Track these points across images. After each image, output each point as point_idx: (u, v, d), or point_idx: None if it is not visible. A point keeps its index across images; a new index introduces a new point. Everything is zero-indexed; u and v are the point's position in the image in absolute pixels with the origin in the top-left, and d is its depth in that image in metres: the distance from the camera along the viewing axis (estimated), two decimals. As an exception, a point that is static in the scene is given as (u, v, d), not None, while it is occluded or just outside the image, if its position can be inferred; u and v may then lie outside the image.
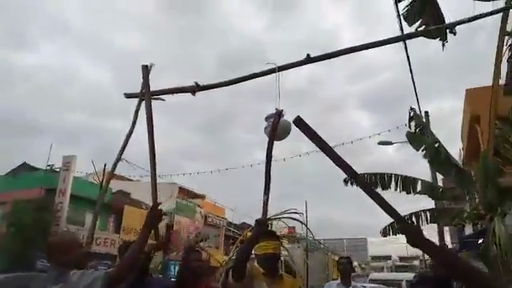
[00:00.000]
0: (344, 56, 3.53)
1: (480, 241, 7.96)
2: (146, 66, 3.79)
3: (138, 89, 3.98)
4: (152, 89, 3.74)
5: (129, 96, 4.38)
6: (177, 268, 3.71)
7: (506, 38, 4.56)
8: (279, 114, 2.94)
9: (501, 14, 3.62)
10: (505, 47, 4.74)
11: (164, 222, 3.04)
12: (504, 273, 5.82)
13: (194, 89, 3.83)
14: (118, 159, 4.24)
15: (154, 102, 3.48)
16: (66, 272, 2.13)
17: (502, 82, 5.28)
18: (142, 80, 3.77)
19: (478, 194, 7.66)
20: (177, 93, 3.98)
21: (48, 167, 19.25)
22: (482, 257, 6.68)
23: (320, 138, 2.12)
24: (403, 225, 1.92)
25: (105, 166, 16.18)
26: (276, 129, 2.90)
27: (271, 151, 2.80)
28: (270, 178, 2.76)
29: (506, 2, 3.84)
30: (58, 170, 18.90)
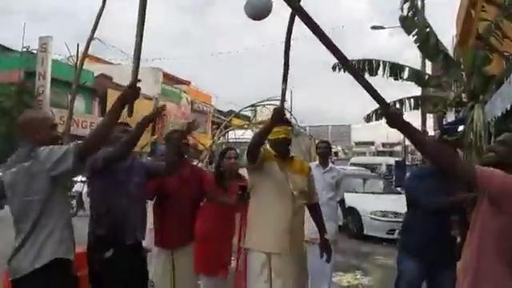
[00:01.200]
0: None
1: (460, 128, 8.21)
2: None
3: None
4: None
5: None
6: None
7: None
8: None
9: None
10: None
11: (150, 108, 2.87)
12: (476, 156, 6.09)
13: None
14: (91, 38, 3.98)
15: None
16: (36, 148, 2.11)
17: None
18: None
19: (463, 81, 7.65)
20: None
21: (24, 49, 18.43)
22: (459, 142, 6.92)
23: (313, 20, 2.05)
24: (384, 107, 2.02)
25: (78, 46, 15.54)
26: (294, 18, 2.52)
27: (290, 39, 2.64)
28: (289, 67, 2.69)
29: None
30: (34, 51, 18.16)
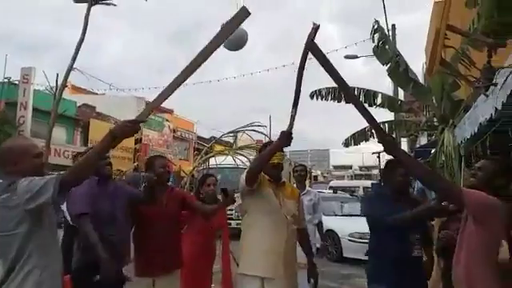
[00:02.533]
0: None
1: (432, 150, 8.48)
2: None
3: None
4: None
5: (77, 1, 4.07)
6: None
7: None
8: (316, 28, 2.45)
9: None
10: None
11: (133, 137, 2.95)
12: (448, 177, 6.30)
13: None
14: (70, 69, 4.06)
15: (111, 10, 3.26)
16: (17, 179, 1.98)
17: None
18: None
19: (433, 106, 7.96)
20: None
21: (5, 80, 18.39)
22: (431, 164, 7.16)
23: (329, 61, 2.29)
24: (381, 134, 2.26)
25: (57, 76, 15.49)
26: (310, 44, 2.52)
27: (303, 66, 2.62)
28: (300, 93, 2.68)
29: None
30: (16, 82, 18.13)
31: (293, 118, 2.69)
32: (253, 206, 2.97)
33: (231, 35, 3.12)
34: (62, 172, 2.12)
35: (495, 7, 4.64)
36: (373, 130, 9.29)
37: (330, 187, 21.08)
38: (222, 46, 3.49)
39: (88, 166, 2.07)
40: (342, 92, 2.41)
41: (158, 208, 3.32)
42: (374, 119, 2.29)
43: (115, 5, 3.44)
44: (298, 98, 2.67)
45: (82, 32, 3.69)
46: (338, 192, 15.18)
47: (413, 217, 2.80)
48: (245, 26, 3.37)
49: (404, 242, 2.86)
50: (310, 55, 2.45)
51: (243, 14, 2.20)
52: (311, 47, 2.26)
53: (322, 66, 2.26)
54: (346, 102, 8.64)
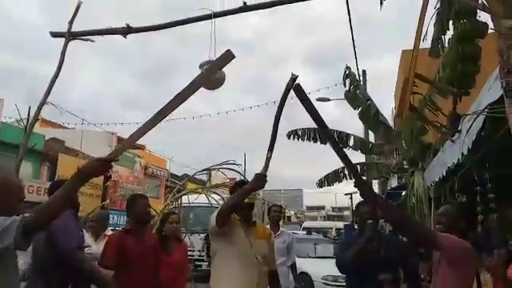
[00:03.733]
0: (293, 9, 3.51)
1: (403, 192, 8.67)
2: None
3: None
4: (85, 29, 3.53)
5: (55, 35, 4.10)
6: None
7: (435, 1, 4.76)
8: (294, 78, 2.54)
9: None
10: (434, 10, 4.95)
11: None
12: (419, 219, 6.42)
13: (126, 31, 3.64)
14: (43, 102, 4.02)
15: (87, 45, 3.30)
16: None
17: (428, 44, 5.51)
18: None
19: (403, 150, 8.22)
20: (107, 34, 3.78)
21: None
22: (402, 206, 7.29)
23: (313, 106, 2.35)
24: (359, 180, 2.29)
25: (29, 109, 15.18)
26: (288, 93, 2.62)
27: (281, 111, 2.69)
28: (276, 138, 2.74)
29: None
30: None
31: (268, 160, 2.73)
32: (223, 247, 2.92)
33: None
34: (25, 214, 1.92)
35: (458, 58, 4.96)
36: (346, 172, 9.53)
37: (304, 228, 21.07)
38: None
39: (56, 209, 1.91)
40: (325, 137, 2.46)
41: (141, 248, 3.31)
42: (353, 164, 2.37)
43: (93, 41, 3.49)
44: (274, 142, 2.72)
45: (57, 67, 3.68)
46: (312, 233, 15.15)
47: (353, 253, 2.86)
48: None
49: (372, 281, 2.92)
50: (290, 97, 2.55)
51: (227, 57, 2.25)
52: (297, 90, 2.32)
53: (307, 109, 2.31)
54: (322, 143, 8.83)
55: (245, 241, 2.89)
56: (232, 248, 2.87)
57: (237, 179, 4.95)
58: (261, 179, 2.72)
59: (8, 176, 2.12)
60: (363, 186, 2.24)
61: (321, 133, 2.34)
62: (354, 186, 2.25)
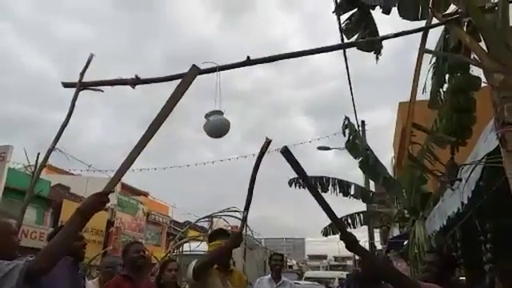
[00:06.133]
0: (292, 63, 3.70)
1: (405, 242, 8.57)
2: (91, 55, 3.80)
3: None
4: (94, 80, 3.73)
5: (66, 85, 4.29)
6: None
7: (431, 56, 5.00)
8: (268, 142, 2.70)
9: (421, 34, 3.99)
10: (429, 64, 5.20)
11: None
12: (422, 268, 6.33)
13: (134, 82, 3.83)
14: (51, 149, 4.14)
15: (96, 94, 3.47)
16: None
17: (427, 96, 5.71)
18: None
19: (403, 199, 8.22)
20: (117, 84, 3.97)
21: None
22: (405, 256, 7.20)
23: (301, 167, 2.32)
24: (343, 233, 2.23)
25: (38, 155, 15.37)
26: (263, 156, 2.77)
27: (257, 171, 2.79)
28: (252, 196, 2.83)
29: (425, 23, 4.23)
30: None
31: (244, 219, 2.87)
32: None
33: (213, 121, 3.31)
34: (29, 257, 1.95)
35: (453, 110, 5.12)
36: (350, 220, 9.48)
37: (306, 278, 20.60)
38: (204, 133, 3.68)
39: (57, 251, 1.90)
40: (306, 186, 2.49)
41: None
42: (337, 217, 2.32)
43: (102, 91, 3.68)
44: (250, 202, 2.83)
45: (67, 116, 3.82)
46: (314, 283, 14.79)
47: None
48: (226, 115, 3.62)
49: None
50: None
51: (193, 72, 2.39)
52: (285, 153, 2.28)
53: (296, 172, 2.34)
54: (323, 191, 8.86)
55: None
56: None
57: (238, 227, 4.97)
58: (238, 238, 2.87)
59: (6, 221, 2.23)
60: (348, 240, 2.17)
61: (303, 182, 2.39)
62: (340, 238, 2.21)
